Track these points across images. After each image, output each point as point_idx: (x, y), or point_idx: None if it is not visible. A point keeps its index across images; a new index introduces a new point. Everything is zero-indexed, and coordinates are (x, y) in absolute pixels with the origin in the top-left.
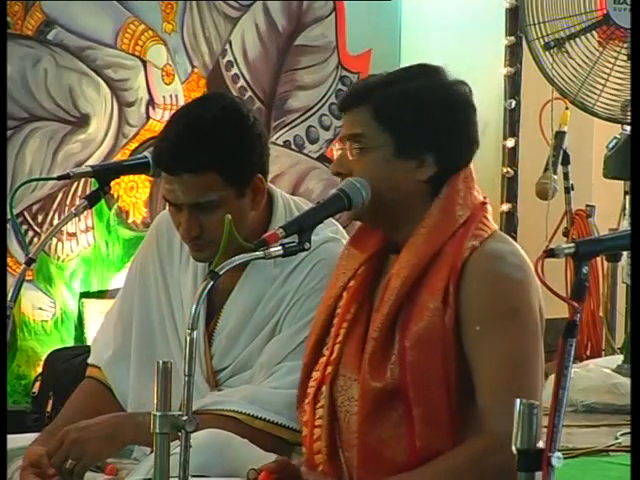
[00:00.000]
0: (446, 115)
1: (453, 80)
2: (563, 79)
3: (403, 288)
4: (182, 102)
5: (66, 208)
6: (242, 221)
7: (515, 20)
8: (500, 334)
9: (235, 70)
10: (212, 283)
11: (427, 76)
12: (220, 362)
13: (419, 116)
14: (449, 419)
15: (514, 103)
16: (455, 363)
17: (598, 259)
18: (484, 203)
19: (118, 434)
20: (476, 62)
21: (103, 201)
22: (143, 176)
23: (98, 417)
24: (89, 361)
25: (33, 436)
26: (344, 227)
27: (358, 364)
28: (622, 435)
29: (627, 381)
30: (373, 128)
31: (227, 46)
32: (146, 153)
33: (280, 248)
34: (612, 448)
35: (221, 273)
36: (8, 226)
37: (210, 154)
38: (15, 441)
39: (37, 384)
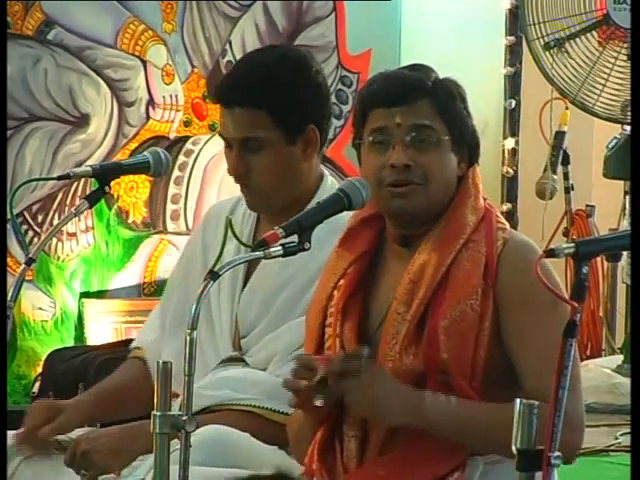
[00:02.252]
0: (468, 111)
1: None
2: (563, 79)
3: (437, 273)
4: (182, 102)
5: (66, 208)
6: (292, 169)
7: (515, 20)
8: (546, 318)
9: None
10: (212, 283)
11: (435, 72)
12: (245, 329)
13: (462, 110)
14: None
15: (514, 103)
16: (488, 347)
17: (598, 259)
18: (485, 198)
19: (127, 447)
20: (476, 62)
21: (103, 201)
22: (143, 176)
23: (112, 428)
24: (131, 346)
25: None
26: None
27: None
28: (622, 435)
29: (627, 381)
30: (437, 122)
31: (227, 46)
32: (146, 153)
33: (280, 248)
34: (612, 448)
35: (221, 273)
36: (8, 226)
37: (262, 92)
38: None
39: (37, 384)
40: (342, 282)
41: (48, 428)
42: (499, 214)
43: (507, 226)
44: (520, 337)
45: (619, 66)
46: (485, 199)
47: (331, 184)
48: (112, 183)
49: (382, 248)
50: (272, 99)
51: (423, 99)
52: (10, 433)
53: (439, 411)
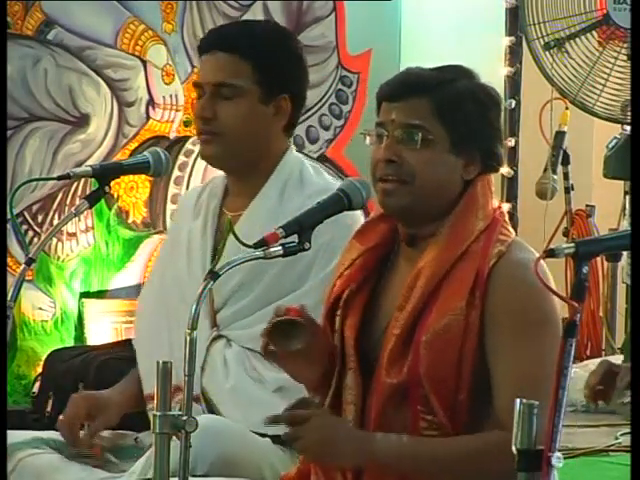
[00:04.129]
0: (494, 116)
1: (487, 84)
2: (563, 79)
3: (428, 287)
4: (182, 102)
5: (66, 208)
6: (258, 127)
7: (515, 20)
8: (527, 341)
9: None
10: (212, 283)
11: (470, 77)
12: (219, 300)
13: (474, 114)
14: (458, 418)
15: (514, 103)
16: (471, 363)
17: (598, 259)
18: (499, 207)
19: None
20: (476, 62)
21: (103, 201)
22: (143, 176)
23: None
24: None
25: (32, 433)
26: None
27: (354, 354)
28: (622, 435)
29: None
30: (432, 121)
31: None
32: (146, 153)
33: (280, 248)
34: (612, 448)
35: (221, 273)
36: (8, 226)
37: (249, 42)
38: (15, 436)
39: (37, 384)
40: (346, 272)
41: (93, 427)
42: (507, 223)
43: (511, 237)
44: (498, 356)
45: (619, 66)
46: (498, 207)
47: (296, 155)
48: (112, 183)
49: (396, 244)
50: (258, 53)
51: (421, 97)
52: (10, 432)
53: (389, 449)
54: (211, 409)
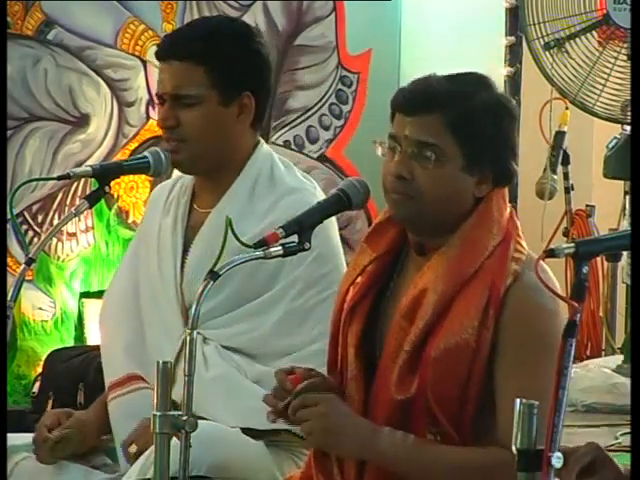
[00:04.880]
0: (510, 132)
1: (503, 94)
2: (563, 79)
3: (440, 304)
4: None
5: (66, 208)
6: (222, 130)
7: (515, 20)
8: (538, 365)
9: None
10: (212, 283)
11: (488, 88)
12: (190, 297)
13: (490, 133)
14: (464, 429)
15: (514, 103)
16: (479, 380)
17: (598, 259)
18: (511, 216)
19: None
20: (476, 62)
21: (103, 201)
22: (143, 176)
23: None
24: None
25: (30, 436)
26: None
27: (355, 362)
28: (622, 435)
29: (627, 381)
30: (446, 139)
31: None
32: (146, 153)
33: (280, 248)
34: (612, 448)
35: (221, 273)
36: (8, 226)
37: (202, 48)
38: (14, 439)
39: (37, 384)
40: (359, 280)
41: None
42: (520, 236)
43: (525, 253)
44: (507, 378)
45: (619, 66)
46: (510, 217)
47: (265, 151)
48: (112, 183)
49: (404, 249)
50: (210, 57)
51: (436, 113)
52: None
53: (394, 447)
54: None
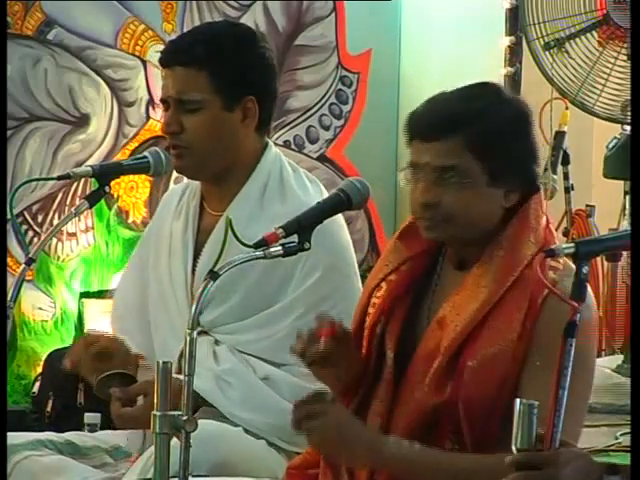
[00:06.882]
0: (528, 140)
1: (516, 97)
2: (563, 79)
3: (481, 311)
4: None
5: (66, 208)
6: (226, 135)
7: (515, 20)
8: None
9: None
10: (213, 283)
11: (501, 98)
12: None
13: (510, 144)
14: (482, 440)
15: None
16: (510, 391)
17: (598, 259)
18: (548, 224)
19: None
20: (476, 62)
21: (103, 201)
22: (143, 176)
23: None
24: None
25: (30, 435)
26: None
27: (392, 365)
28: (622, 435)
29: (627, 381)
30: (467, 159)
31: None
32: (146, 153)
33: (280, 248)
34: (612, 448)
35: (221, 273)
36: (8, 226)
37: (205, 53)
38: (14, 439)
39: (37, 384)
40: (393, 277)
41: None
42: (556, 242)
43: (561, 263)
44: (536, 389)
45: (619, 66)
46: (547, 225)
47: (274, 154)
48: (112, 183)
49: (441, 252)
50: (213, 62)
51: (454, 136)
52: (10, 434)
53: (400, 456)
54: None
